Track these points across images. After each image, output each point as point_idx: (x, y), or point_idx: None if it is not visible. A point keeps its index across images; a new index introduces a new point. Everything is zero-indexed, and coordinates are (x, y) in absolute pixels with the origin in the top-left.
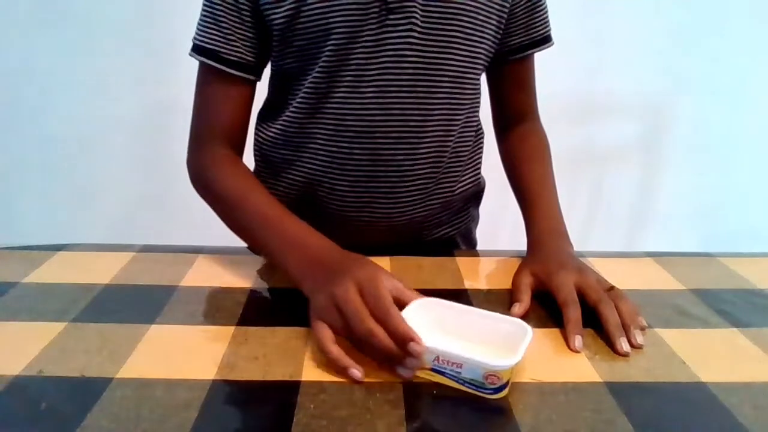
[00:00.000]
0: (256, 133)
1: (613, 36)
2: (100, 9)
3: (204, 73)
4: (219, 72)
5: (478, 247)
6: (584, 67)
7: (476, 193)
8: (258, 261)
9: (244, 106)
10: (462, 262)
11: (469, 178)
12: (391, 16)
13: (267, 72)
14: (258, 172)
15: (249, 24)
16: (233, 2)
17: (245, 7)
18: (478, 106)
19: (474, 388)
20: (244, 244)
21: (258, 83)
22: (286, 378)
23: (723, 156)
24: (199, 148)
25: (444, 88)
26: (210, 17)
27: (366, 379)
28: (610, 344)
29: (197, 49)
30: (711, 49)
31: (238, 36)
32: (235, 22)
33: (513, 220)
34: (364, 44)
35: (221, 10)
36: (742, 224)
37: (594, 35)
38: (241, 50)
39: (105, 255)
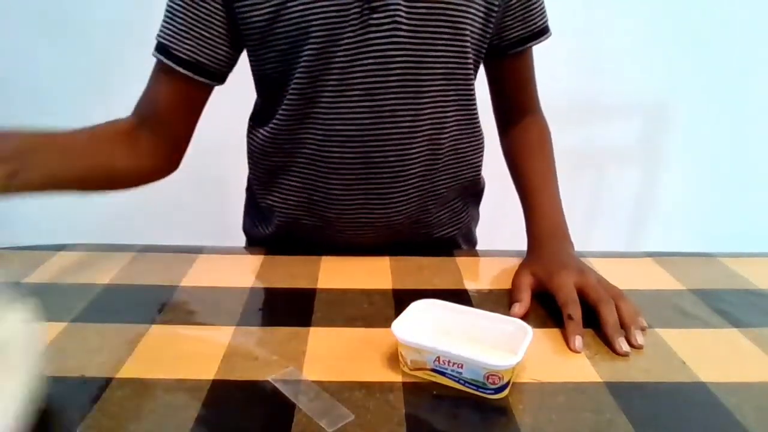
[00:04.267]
0: (248, 141)
1: (613, 36)
2: (100, 10)
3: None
4: (162, 65)
5: (478, 247)
6: (584, 67)
7: (476, 193)
8: (258, 261)
9: (183, 101)
10: (462, 262)
11: (469, 177)
12: (374, 16)
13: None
14: (253, 179)
15: (218, 24)
16: (201, 1)
17: (217, 8)
18: (473, 104)
19: (475, 388)
20: (244, 244)
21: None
22: (286, 377)
23: (723, 156)
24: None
25: (433, 87)
26: (170, 13)
27: (366, 379)
28: (610, 344)
29: (157, 46)
30: (711, 48)
31: (204, 35)
32: (202, 21)
33: (513, 220)
34: (346, 46)
35: (182, 7)
36: (742, 224)
37: (594, 35)
38: (196, 49)
39: (105, 255)
